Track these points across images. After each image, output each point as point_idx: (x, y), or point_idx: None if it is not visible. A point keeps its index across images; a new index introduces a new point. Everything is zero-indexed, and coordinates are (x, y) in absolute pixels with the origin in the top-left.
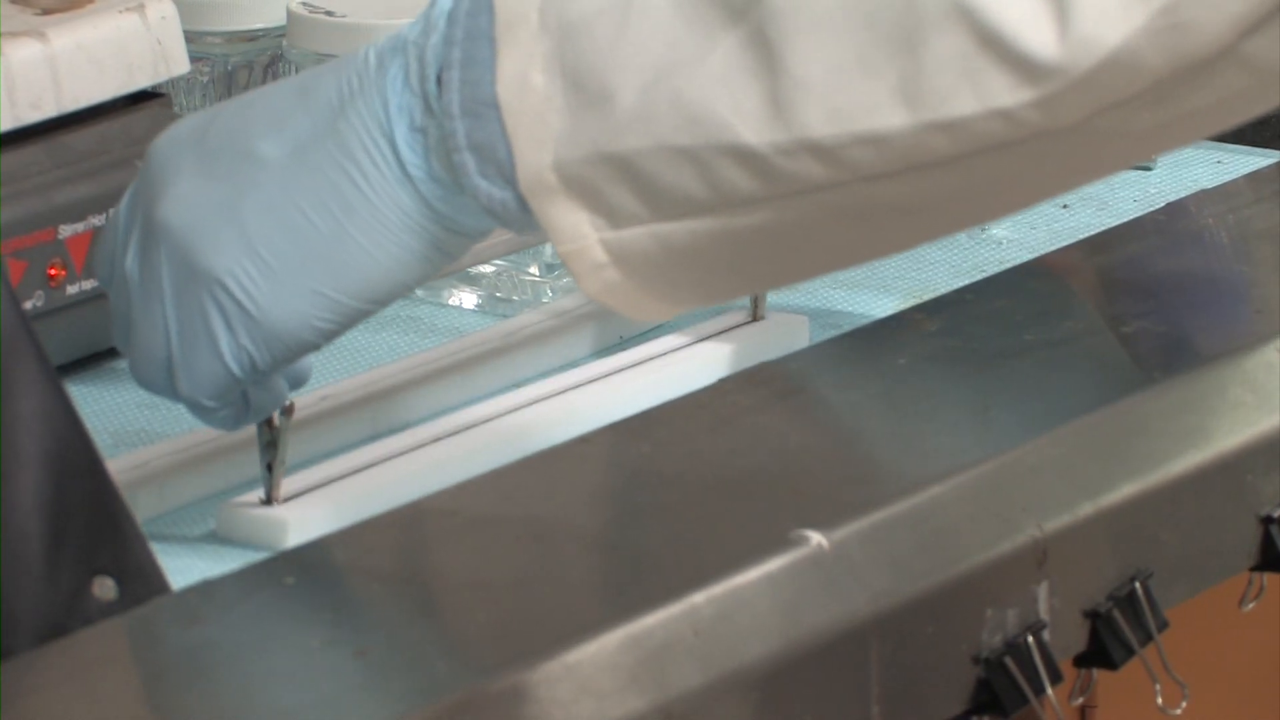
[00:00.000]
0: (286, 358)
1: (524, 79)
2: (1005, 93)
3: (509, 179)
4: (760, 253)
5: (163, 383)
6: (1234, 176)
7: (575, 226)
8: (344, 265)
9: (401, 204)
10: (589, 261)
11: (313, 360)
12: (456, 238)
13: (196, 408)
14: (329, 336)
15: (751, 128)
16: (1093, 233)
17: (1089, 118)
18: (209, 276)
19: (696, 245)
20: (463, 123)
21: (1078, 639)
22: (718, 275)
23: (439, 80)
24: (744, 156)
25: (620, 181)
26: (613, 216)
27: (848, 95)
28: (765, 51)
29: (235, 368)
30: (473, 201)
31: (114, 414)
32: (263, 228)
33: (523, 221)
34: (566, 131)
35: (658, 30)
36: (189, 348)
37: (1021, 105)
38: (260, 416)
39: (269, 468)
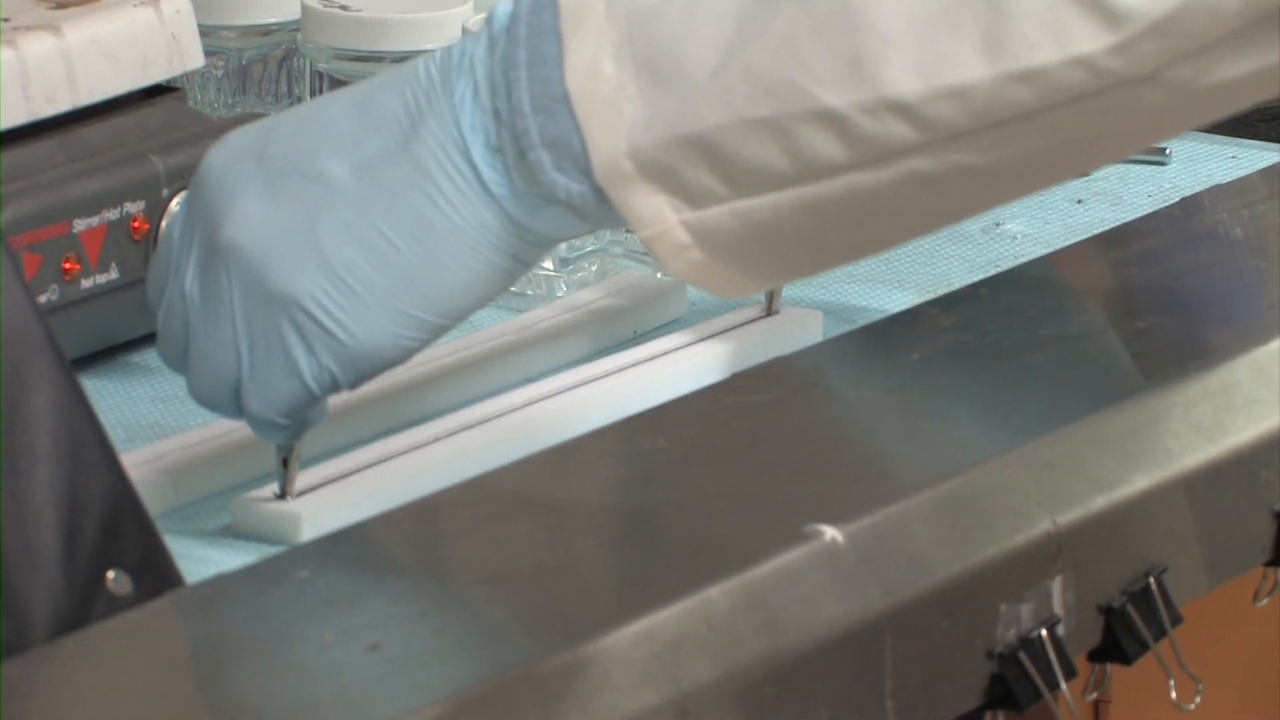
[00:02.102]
0: (369, 375)
1: (594, 69)
2: (1085, 39)
3: (585, 171)
4: (841, 224)
5: (227, 401)
6: (1248, 172)
7: (655, 211)
8: (430, 285)
9: (485, 222)
10: (671, 244)
11: None
12: (536, 249)
13: (265, 424)
14: (413, 353)
15: (832, 89)
16: (1107, 228)
17: (1166, 66)
18: (288, 300)
19: (778, 220)
20: (535, 120)
21: (1092, 634)
22: (799, 250)
23: (508, 83)
24: (826, 120)
25: (699, 161)
26: (692, 198)
27: (931, 49)
28: (842, 10)
29: (316, 388)
30: (555, 210)
31: (129, 408)
32: (341, 250)
33: (602, 214)
34: (640, 118)
35: (727, 6)
36: (263, 369)
37: (1101, 52)
38: (312, 426)
39: (284, 462)
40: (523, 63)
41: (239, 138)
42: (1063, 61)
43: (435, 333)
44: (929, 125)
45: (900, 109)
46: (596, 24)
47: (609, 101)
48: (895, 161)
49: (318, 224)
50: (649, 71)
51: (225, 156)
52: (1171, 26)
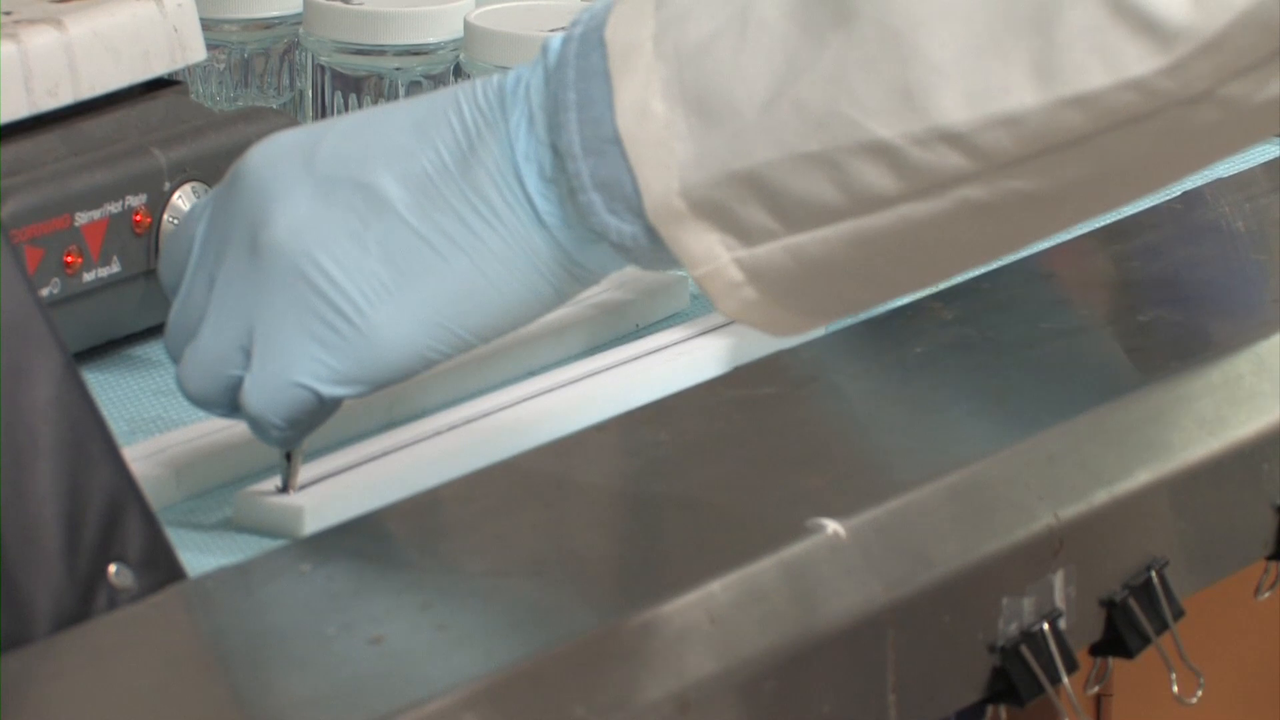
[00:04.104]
0: (382, 383)
1: (644, 109)
2: (1137, 62)
3: (637, 212)
4: (894, 257)
5: (220, 394)
6: (1250, 165)
7: (708, 249)
8: (470, 300)
9: (536, 249)
10: (724, 282)
11: None
12: (577, 285)
13: (261, 424)
14: (432, 365)
15: (883, 121)
16: (1109, 221)
17: (1220, 84)
18: (325, 299)
19: (831, 255)
20: (586, 162)
21: (1094, 628)
22: (852, 285)
23: (558, 125)
24: (878, 152)
25: (750, 198)
26: (745, 235)
27: (982, 77)
28: (892, 42)
29: (323, 389)
30: (606, 246)
31: (130, 401)
32: (387, 256)
33: (655, 255)
34: (691, 156)
35: (775, 41)
36: (273, 365)
37: (1153, 73)
38: (309, 433)
39: (286, 456)
40: (572, 105)
41: (284, 139)
42: (1115, 85)
43: (460, 349)
44: (981, 153)
45: (952, 138)
46: (645, 63)
47: (659, 140)
48: (948, 191)
49: (365, 229)
50: (699, 109)
51: (270, 154)
52: (1224, 44)
